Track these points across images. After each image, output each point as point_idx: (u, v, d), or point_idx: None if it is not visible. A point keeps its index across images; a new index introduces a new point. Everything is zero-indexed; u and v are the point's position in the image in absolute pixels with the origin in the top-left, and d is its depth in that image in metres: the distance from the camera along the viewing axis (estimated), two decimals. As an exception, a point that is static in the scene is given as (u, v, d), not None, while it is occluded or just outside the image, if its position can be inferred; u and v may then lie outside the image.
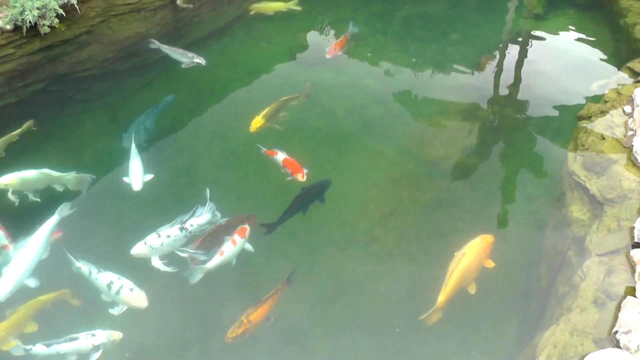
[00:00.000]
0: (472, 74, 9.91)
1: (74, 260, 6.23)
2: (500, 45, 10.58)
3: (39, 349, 5.64)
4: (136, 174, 7.06)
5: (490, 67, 10.06)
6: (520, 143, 8.46)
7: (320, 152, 8.06)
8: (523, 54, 10.33)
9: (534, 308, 6.04)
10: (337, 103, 8.90)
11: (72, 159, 7.79)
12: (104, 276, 6.13)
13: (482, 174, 7.92)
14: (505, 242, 6.92)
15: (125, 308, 6.04)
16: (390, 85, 9.54)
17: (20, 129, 7.50)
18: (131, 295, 6.05)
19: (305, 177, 7.07)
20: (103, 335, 5.79)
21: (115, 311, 6.05)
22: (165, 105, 8.38)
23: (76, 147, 7.83)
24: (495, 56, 10.32)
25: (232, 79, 9.24)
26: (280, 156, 7.31)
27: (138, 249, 6.26)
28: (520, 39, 10.76)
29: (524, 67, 9.95)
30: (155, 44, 8.93)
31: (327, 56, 9.61)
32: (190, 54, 8.87)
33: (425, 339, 6.19)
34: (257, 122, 7.83)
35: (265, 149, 7.46)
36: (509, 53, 10.37)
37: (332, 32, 10.91)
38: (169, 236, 6.32)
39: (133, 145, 7.33)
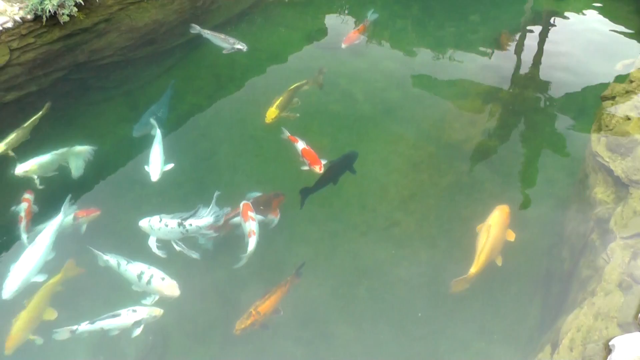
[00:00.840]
0: (492, 55, 9.78)
1: (101, 254, 6.26)
2: (521, 26, 10.42)
3: (84, 327, 5.75)
4: (155, 165, 7.06)
5: (511, 47, 9.92)
6: (541, 125, 8.37)
7: (340, 136, 8.03)
8: (544, 35, 10.17)
9: (556, 292, 6.00)
10: (356, 87, 8.85)
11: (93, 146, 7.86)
12: (133, 267, 6.16)
13: (503, 157, 7.86)
14: (526, 226, 6.88)
15: (157, 297, 6.07)
16: (409, 69, 9.47)
17: (40, 112, 7.57)
18: (163, 284, 6.08)
19: (322, 169, 6.97)
20: (144, 312, 5.87)
21: (147, 301, 6.08)
22: (173, 90, 8.39)
23: (97, 134, 7.87)
24: (514, 33, 10.16)
25: (251, 64, 9.21)
26: (300, 145, 7.26)
27: (143, 223, 6.45)
28: (541, 19, 10.58)
29: (545, 48, 9.80)
30: (196, 29, 8.93)
31: (343, 45, 9.41)
32: (231, 40, 8.86)
33: (446, 324, 6.19)
34: (272, 113, 7.74)
35: (289, 134, 7.40)
36: (530, 33, 10.21)
37: (351, 16, 10.81)
38: (166, 225, 6.40)
39: (158, 133, 7.34)
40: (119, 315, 5.83)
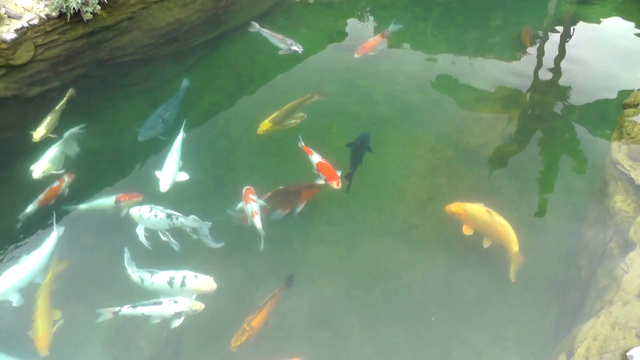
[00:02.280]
0: (513, 60, 9.72)
1: (130, 269, 6.25)
2: (542, 31, 10.35)
3: (125, 310, 5.82)
4: (167, 174, 6.93)
5: (532, 44, 9.83)
6: (561, 131, 8.30)
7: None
8: (565, 40, 10.09)
9: (572, 300, 5.95)
10: (376, 89, 8.85)
11: (112, 143, 7.99)
12: (160, 277, 6.12)
13: (521, 163, 7.80)
14: (544, 232, 6.85)
15: (194, 297, 6.04)
16: (429, 72, 9.45)
17: (64, 99, 7.70)
18: (198, 282, 6.08)
19: (340, 184, 6.78)
20: (185, 304, 5.88)
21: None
22: (184, 92, 8.33)
23: (116, 130, 7.97)
24: (536, 35, 10.09)
25: (272, 64, 9.24)
26: (316, 158, 7.04)
27: (133, 211, 6.60)
28: (563, 25, 10.51)
29: (567, 54, 9.72)
30: (255, 27, 8.98)
31: (356, 55, 9.19)
32: (289, 41, 8.88)
33: (460, 328, 6.16)
34: (264, 126, 7.67)
35: (304, 144, 7.27)
36: (551, 38, 10.14)
37: (372, 19, 10.79)
38: (156, 216, 6.52)
39: (178, 138, 7.25)
40: (160, 303, 5.86)
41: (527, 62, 9.65)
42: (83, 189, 7.12)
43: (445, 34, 10.49)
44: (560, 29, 10.38)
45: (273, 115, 7.76)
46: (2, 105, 7.46)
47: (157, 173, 6.95)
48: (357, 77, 8.97)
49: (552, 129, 8.36)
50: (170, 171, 6.93)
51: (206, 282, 6.09)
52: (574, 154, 7.89)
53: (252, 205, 6.46)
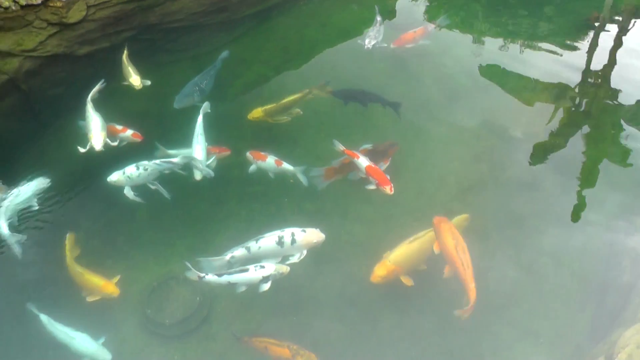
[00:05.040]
0: (565, 50, 9.46)
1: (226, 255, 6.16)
2: (598, 22, 10.03)
3: (210, 277, 5.84)
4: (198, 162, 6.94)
5: (600, 27, 9.56)
6: (609, 128, 8.08)
7: (404, 119, 7.90)
8: (623, 33, 9.78)
9: (612, 303, 5.85)
10: (424, 71, 8.73)
11: (157, 106, 8.03)
12: (267, 240, 6.08)
13: (566, 157, 7.65)
14: (584, 230, 6.73)
15: (305, 252, 6.09)
16: (478, 56, 9.25)
17: (95, 88, 7.52)
18: (307, 236, 6.08)
19: (392, 189, 6.51)
20: (272, 268, 5.90)
21: (295, 259, 6.08)
22: (222, 63, 8.22)
23: (162, 94, 7.99)
24: (607, 16, 9.76)
25: (320, 39, 9.16)
26: (363, 161, 6.74)
27: (114, 177, 6.69)
28: (621, 17, 10.16)
29: (623, 47, 9.42)
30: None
31: (392, 45, 8.77)
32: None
33: (492, 320, 6.14)
34: (255, 113, 7.53)
35: (343, 147, 6.88)
36: (607, 31, 9.83)
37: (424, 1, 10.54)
38: (146, 169, 6.66)
39: (199, 122, 7.17)
40: (247, 270, 5.88)
41: (579, 53, 9.37)
42: (124, 150, 7.20)
43: (497, 18, 10.24)
44: (617, 21, 10.04)
45: (268, 107, 7.60)
46: (54, 62, 7.57)
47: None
48: (404, 56, 8.83)
49: (599, 125, 8.15)
50: (201, 158, 6.93)
51: (315, 234, 6.12)
52: (621, 152, 7.70)
53: (271, 159, 6.92)
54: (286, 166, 6.92)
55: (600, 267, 6.38)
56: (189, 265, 5.82)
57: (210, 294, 6.29)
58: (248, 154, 7.10)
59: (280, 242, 6.03)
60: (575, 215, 6.92)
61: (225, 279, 5.85)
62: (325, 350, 5.80)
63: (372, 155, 6.91)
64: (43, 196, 6.89)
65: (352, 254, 6.50)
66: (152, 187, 6.79)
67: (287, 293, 6.16)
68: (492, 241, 6.72)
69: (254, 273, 5.85)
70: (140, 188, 6.82)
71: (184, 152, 7.04)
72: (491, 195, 7.19)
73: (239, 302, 6.31)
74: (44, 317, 6.00)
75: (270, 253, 6.08)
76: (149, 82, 7.69)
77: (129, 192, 6.70)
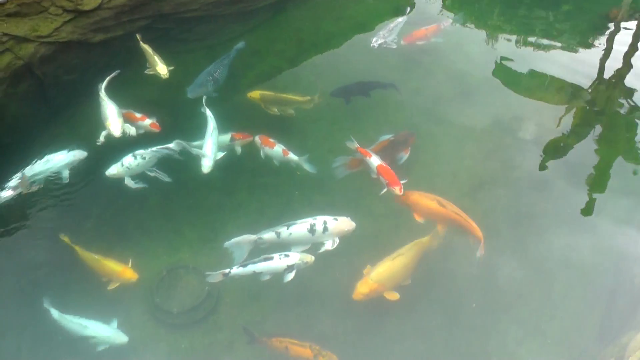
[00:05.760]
0: (580, 49, 9.38)
1: (257, 236, 6.14)
2: (616, 20, 9.94)
3: (235, 270, 5.83)
4: (208, 156, 6.89)
5: (621, 23, 9.46)
6: (623, 130, 8.03)
7: (416, 115, 7.92)
8: (640, 33, 9.69)
9: (622, 306, 5.84)
10: (438, 67, 8.68)
11: (170, 95, 8.03)
12: (298, 227, 6.09)
13: (578, 157, 7.59)
14: (595, 232, 6.71)
15: (337, 240, 6.11)
16: (492, 53, 9.18)
17: (109, 77, 7.56)
18: (339, 224, 6.12)
19: (402, 190, 6.46)
20: (296, 257, 5.91)
21: (328, 246, 6.09)
22: (236, 53, 8.23)
23: (175, 83, 7.98)
24: (626, 13, 9.66)
25: (335, 32, 9.12)
26: (375, 161, 6.71)
27: (113, 170, 6.71)
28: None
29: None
30: None
31: (402, 42, 8.65)
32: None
33: (501, 318, 6.15)
34: (254, 94, 7.58)
35: (358, 145, 6.87)
36: (623, 31, 9.74)
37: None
38: (144, 158, 6.73)
39: (209, 114, 7.16)
40: (271, 259, 5.88)
41: (595, 51, 9.30)
42: (137, 137, 7.23)
43: (511, 15, 10.16)
44: (636, 20, 9.94)
45: (267, 92, 7.63)
46: (68, 48, 7.58)
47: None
48: (418, 52, 8.78)
49: (613, 126, 8.10)
50: (212, 152, 6.89)
51: (347, 223, 6.17)
52: (634, 154, 7.66)
53: (279, 147, 7.00)
54: (292, 156, 6.99)
55: (610, 270, 6.36)
56: (209, 273, 5.85)
57: (219, 284, 6.29)
58: (257, 138, 7.18)
59: (311, 230, 6.05)
60: (586, 216, 6.90)
61: (251, 268, 5.85)
62: (331, 344, 5.80)
63: (393, 145, 7.00)
64: (74, 170, 6.98)
65: (361, 248, 6.48)
66: (151, 174, 6.84)
67: (294, 286, 6.13)
68: (501, 239, 6.70)
69: (278, 262, 5.86)
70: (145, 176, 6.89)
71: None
72: (502, 193, 7.17)
73: (247, 293, 6.34)
74: (55, 312, 6.04)
75: (301, 240, 6.10)
76: (172, 67, 7.73)
77: (130, 182, 6.74)
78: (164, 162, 7.02)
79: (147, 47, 7.83)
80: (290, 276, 5.86)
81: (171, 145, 6.86)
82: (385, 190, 6.53)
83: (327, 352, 5.60)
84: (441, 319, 6.13)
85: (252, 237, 6.02)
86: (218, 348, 6.10)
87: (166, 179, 6.85)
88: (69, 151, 6.97)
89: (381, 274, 5.96)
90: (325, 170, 7.04)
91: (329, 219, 6.11)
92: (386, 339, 6.04)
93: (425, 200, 6.38)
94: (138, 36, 7.96)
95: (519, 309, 6.18)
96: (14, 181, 6.65)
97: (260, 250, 6.05)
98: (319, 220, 6.08)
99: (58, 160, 6.88)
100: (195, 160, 6.89)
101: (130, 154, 6.76)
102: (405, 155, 7.06)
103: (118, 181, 6.80)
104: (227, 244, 6.00)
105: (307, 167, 6.98)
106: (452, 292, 6.27)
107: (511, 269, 6.41)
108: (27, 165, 6.80)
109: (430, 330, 6.07)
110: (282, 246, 6.04)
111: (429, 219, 6.38)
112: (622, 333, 5.15)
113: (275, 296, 6.29)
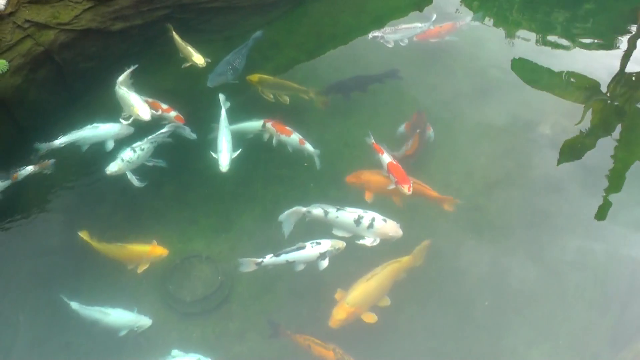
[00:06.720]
0: (601, 49, 9.27)
1: (305, 209, 6.22)
2: (638, 23, 9.83)
3: (268, 259, 5.87)
4: (225, 153, 6.86)
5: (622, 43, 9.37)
6: (642, 131, 7.96)
7: (434, 110, 7.84)
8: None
9: (636, 311, 5.81)
10: (457, 62, 8.60)
11: (188, 85, 8.04)
12: (346, 213, 6.15)
13: (596, 158, 7.54)
14: (609, 234, 6.68)
15: (378, 240, 6.11)
16: (511, 50, 9.09)
17: (127, 72, 7.47)
18: (386, 226, 6.12)
19: (411, 189, 6.46)
20: (328, 244, 5.94)
21: (367, 242, 6.12)
22: (254, 42, 8.22)
23: (193, 73, 8.00)
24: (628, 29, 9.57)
25: (355, 26, 9.05)
26: (386, 158, 6.73)
27: (113, 167, 6.64)
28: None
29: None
30: None
31: (415, 39, 8.52)
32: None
33: (512, 317, 6.15)
34: (253, 77, 7.59)
35: (373, 141, 6.94)
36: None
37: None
38: (142, 149, 6.74)
39: (223, 113, 7.18)
40: (303, 247, 5.92)
41: (616, 52, 9.19)
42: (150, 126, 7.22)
43: (532, 12, 10.06)
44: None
45: (265, 76, 7.65)
46: (87, 36, 7.59)
47: (213, 154, 6.94)
48: (437, 47, 8.71)
49: (633, 127, 8.02)
50: (226, 149, 6.88)
51: (394, 228, 6.16)
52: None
53: (295, 135, 7.05)
54: (308, 146, 7.02)
55: (625, 275, 6.33)
56: (242, 260, 5.89)
57: (232, 274, 6.34)
58: (270, 125, 7.17)
59: (357, 221, 6.08)
60: (602, 219, 6.85)
61: (283, 258, 5.88)
62: (341, 337, 5.77)
63: (414, 127, 7.13)
64: (120, 141, 6.99)
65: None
66: (150, 164, 6.86)
67: (307, 278, 6.17)
68: (515, 239, 6.70)
69: (310, 250, 5.90)
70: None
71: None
72: (517, 193, 7.14)
73: (260, 284, 6.38)
74: (74, 304, 6.09)
75: (344, 226, 6.15)
76: (209, 60, 7.75)
77: (132, 177, 6.72)
78: (180, 152, 7.08)
79: (179, 39, 7.84)
80: (324, 264, 5.89)
81: (164, 130, 6.94)
82: (392, 185, 6.55)
83: (350, 357, 5.54)
84: (452, 315, 6.15)
85: (302, 209, 6.11)
86: (230, 338, 6.14)
87: (163, 164, 6.90)
88: (116, 123, 7.04)
89: (356, 297, 5.80)
90: (342, 165, 7.09)
91: (378, 217, 6.12)
92: (398, 336, 6.05)
93: (376, 176, 6.59)
94: (170, 26, 7.98)
95: (531, 310, 6.17)
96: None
97: (303, 225, 6.16)
98: (368, 215, 6.11)
99: (106, 130, 6.95)
100: (211, 150, 6.95)
101: (129, 148, 6.74)
102: (431, 132, 7.21)
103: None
104: (281, 216, 6.11)
105: (317, 161, 7.01)
106: (463, 291, 6.28)
107: (524, 269, 6.39)
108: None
109: (441, 327, 6.09)
110: (325, 225, 6.10)
111: (382, 194, 6.50)
112: (637, 339, 5.12)
113: (289, 288, 6.33)
